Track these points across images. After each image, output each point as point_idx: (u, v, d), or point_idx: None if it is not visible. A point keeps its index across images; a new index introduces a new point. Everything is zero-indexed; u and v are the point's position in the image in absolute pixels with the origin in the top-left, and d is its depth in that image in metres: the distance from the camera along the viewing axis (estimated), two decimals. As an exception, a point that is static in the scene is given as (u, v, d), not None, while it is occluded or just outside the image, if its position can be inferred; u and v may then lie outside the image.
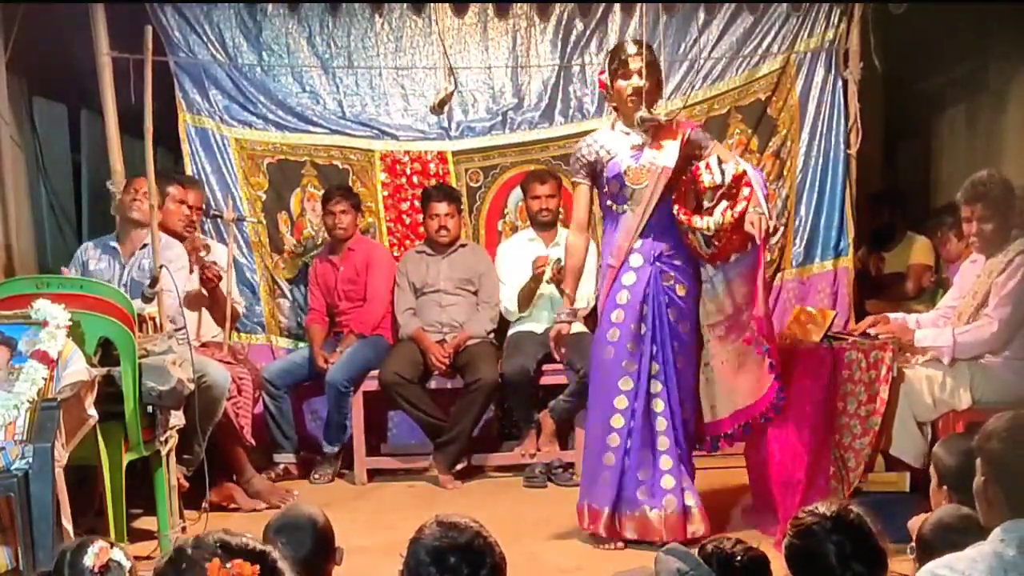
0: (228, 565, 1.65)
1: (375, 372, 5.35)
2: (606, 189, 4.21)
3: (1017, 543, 1.97)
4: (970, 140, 6.25)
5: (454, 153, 5.78)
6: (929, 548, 2.46)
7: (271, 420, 5.42)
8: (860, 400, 4.00)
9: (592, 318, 4.76)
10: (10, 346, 3.53)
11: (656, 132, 4.17)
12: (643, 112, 4.10)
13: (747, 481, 4.60)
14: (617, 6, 5.69)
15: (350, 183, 5.75)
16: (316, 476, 5.43)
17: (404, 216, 5.83)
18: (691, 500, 4.11)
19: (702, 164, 4.15)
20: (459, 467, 5.36)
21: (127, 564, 2.26)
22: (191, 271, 4.91)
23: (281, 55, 5.73)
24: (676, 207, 4.13)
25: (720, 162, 4.13)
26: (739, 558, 2.15)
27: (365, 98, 5.79)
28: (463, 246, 5.61)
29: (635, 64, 4.11)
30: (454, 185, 5.72)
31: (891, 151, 7.44)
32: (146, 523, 4.48)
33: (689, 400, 4.21)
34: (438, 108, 5.01)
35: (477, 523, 2.12)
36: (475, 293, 5.57)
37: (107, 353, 3.96)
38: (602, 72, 4.31)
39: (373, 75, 5.77)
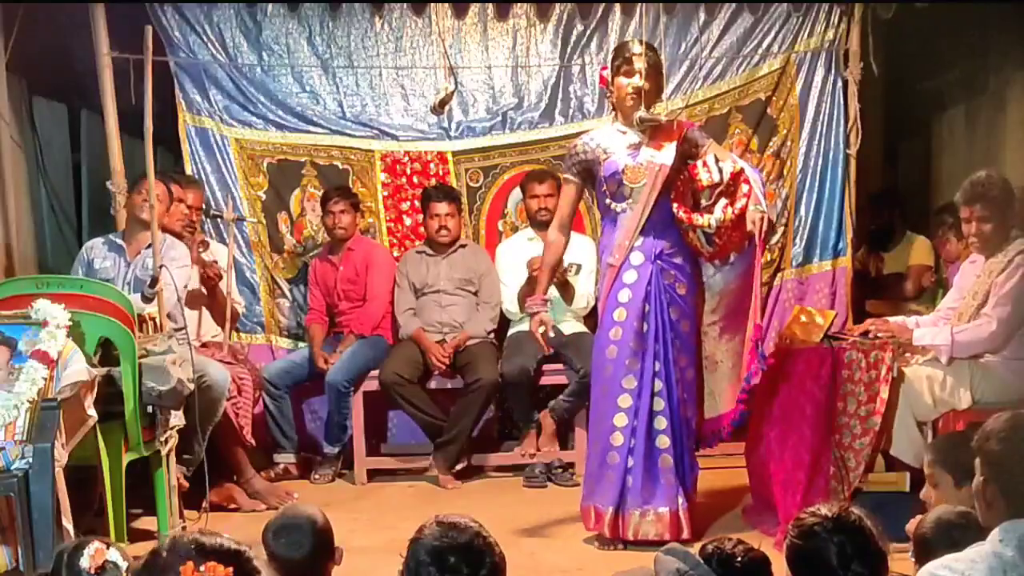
0: (201, 568, 1.64)
1: (375, 372, 5.35)
2: (604, 188, 4.21)
3: (1016, 543, 1.97)
4: (970, 140, 6.24)
5: (454, 153, 5.78)
6: (927, 547, 2.45)
7: (271, 420, 5.42)
8: (860, 400, 4.00)
9: (592, 318, 4.76)
10: (10, 346, 3.54)
11: (654, 132, 4.17)
12: (643, 112, 4.10)
13: (747, 481, 4.59)
14: (617, 6, 5.68)
15: (350, 183, 5.75)
16: (316, 476, 5.43)
17: (404, 216, 5.83)
18: (682, 502, 4.10)
19: (699, 162, 4.16)
20: (459, 467, 5.36)
21: (124, 564, 2.27)
22: (192, 267, 4.92)
23: (281, 55, 5.73)
24: (676, 205, 4.14)
25: (717, 160, 4.14)
26: (739, 559, 2.15)
27: (365, 98, 5.79)
28: (463, 246, 5.61)
29: (639, 64, 4.11)
30: (454, 185, 5.72)
31: (891, 151, 7.45)
32: (146, 523, 4.48)
33: (691, 398, 4.21)
34: (438, 108, 5.00)
35: (477, 523, 2.12)
36: (475, 293, 5.57)
37: (107, 353, 3.97)
38: (604, 68, 4.31)
39: (373, 75, 5.77)
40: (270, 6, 5.68)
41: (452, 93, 4.99)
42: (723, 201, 4.09)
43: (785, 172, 5.78)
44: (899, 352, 4.05)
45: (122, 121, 5.25)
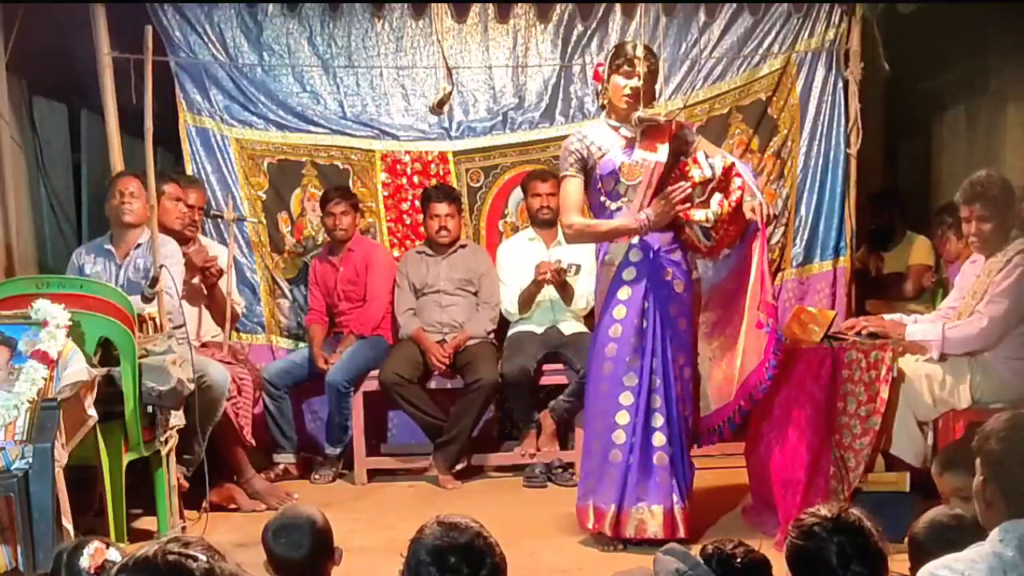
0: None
1: (375, 372, 5.35)
2: (600, 186, 4.20)
3: (1016, 543, 1.97)
4: (970, 140, 6.25)
5: (455, 153, 5.78)
6: (921, 549, 2.45)
7: (271, 420, 5.42)
8: (860, 400, 4.00)
9: (592, 318, 4.75)
10: (10, 346, 3.54)
11: (649, 132, 4.17)
12: (641, 112, 4.10)
13: (747, 481, 4.59)
14: (617, 7, 5.69)
15: (351, 183, 5.75)
16: (316, 476, 5.43)
17: (404, 216, 5.83)
18: (677, 500, 4.09)
19: (690, 159, 4.17)
20: (459, 467, 5.36)
21: (123, 564, 2.27)
22: (196, 273, 4.92)
23: (282, 55, 5.73)
24: None
25: (707, 156, 4.14)
26: (739, 560, 2.15)
27: (366, 98, 5.79)
28: (463, 246, 5.61)
29: (639, 67, 4.10)
30: (455, 185, 5.72)
31: (891, 151, 7.45)
32: (146, 523, 4.48)
33: (688, 397, 4.20)
34: (437, 108, 5.00)
35: (477, 523, 2.12)
36: (475, 293, 5.57)
37: (107, 353, 3.97)
38: (600, 64, 4.31)
39: (374, 75, 5.77)
40: (271, 6, 5.68)
41: (450, 94, 4.99)
42: (718, 196, 4.10)
43: (786, 172, 5.78)
44: (898, 351, 4.05)
45: (122, 121, 5.25)
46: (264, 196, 5.80)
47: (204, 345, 5.04)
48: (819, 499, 3.80)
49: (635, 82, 4.10)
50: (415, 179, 5.78)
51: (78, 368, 3.59)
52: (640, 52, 4.13)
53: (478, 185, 5.82)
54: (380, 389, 5.34)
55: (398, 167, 5.78)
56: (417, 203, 5.73)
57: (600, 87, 4.29)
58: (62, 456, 3.43)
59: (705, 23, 5.71)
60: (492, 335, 5.54)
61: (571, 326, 5.47)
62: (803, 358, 4.19)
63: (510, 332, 5.57)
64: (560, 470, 5.31)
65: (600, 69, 4.27)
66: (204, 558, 1.68)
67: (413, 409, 5.32)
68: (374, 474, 5.45)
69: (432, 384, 5.45)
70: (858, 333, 4.23)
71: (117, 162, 5.27)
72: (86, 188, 6.21)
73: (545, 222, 5.47)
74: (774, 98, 5.74)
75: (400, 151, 5.78)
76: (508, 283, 5.53)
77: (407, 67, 5.75)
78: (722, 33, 5.71)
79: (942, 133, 6.66)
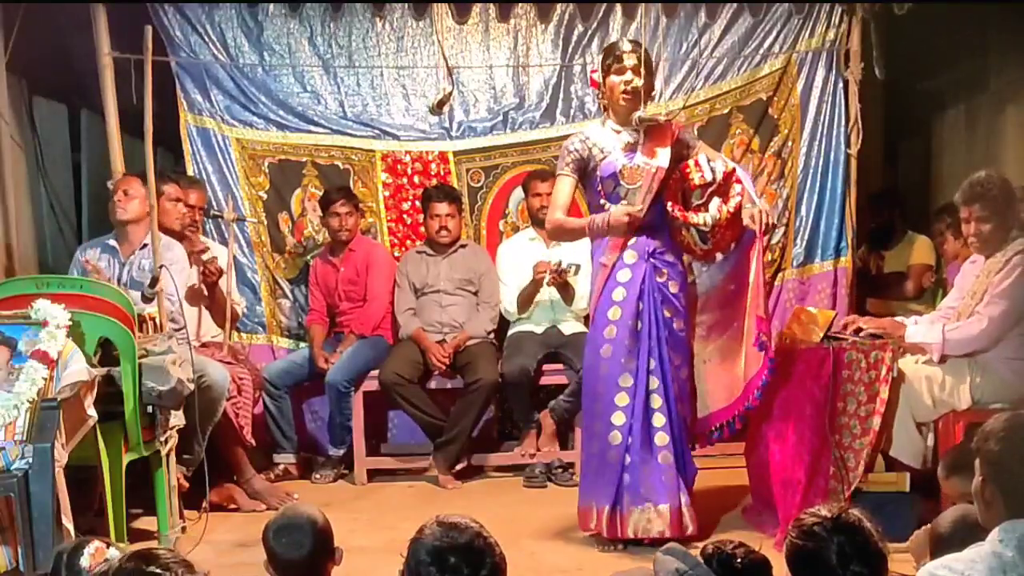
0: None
1: (375, 372, 5.35)
2: (599, 188, 4.20)
3: (1015, 543, 1.97)
4: (970, 140, 6.25)
5: (455, 153, 5.79)
6: (945, 546, 2.44)
7: (271, 420, 5.42)
8: (860, 400, 4.00)
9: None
10: (10, 346, 3.54)
11: (650, 133, 4.17)
12: (642, 112, 4.10)
13: (747, 481, 4.59)
14: (618, 7, 5.69)
15: (351, 183, 5.75)
16: (318, 476, 5.43)
17: (405, 216, 5.83)
18: (684, 498, 4.10)
19: (691, 162, 4.17)
20: (459, 467, 5.36)
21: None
22: (191, 267, 4.92)
23: (282, 55, 5.73)
24: (670, 205, 4.14)
25: (708, 160, 4.15)
26: (740, 560, 2.15)
27: (366, 98, 5.79)
28: (463, 246, 5.61)
29: (630, 61, 4.11)
30: (455, 185, 5.72)
31: (891, 151, 7.45)
32: (146, 523, 4.47)
33: (685, 397, 4.21)
34: (437, 109, 5.00)
35: (477, 523, 2.12)
36: (475, 293, 5.57)
37: (107, 353, 3.97)
38: (594, 71, 4.32)
39: (374, 75, 5.77)
40: (271, 6, 5.68)
41: (450, 94, 4.99)
42: (716, 200, 4.11)
43: (786, 172, 5.78)
44: (898, 351, 4.05)
45: (123, 121, 5.24)
46: (265, 196, 5.80)
47: (204, 345, 5.04)
48: (819, 499, 3.80)
49: (630, 76, 4.11)
50: (416, 179, 5.78)
51: (78, 368, 3.58)
52: (627, 46, 4.14)
53: (479, 185, 5.82)
54: (380, 389, 5.34)
55: (399, 167, 5.79)
56: (418, 203, 5.73)
57: (598, 92, 4.30)
58: (62, 456, 3.43)
59: (706, 23, 5.71)
60: (492, 335, 5.54)
61: (571, 326, 5.47)
62: (803, 358, 4.19)
63: (510, 332, 5.57)
64: (560, 470, 5.31)
65: (595, 75, 4.28)
66: (161, 571, 1.65)
67: (413, 409, 5.32)
68: (374, 474, 5.45)
69: (432, 384, 5.45)
70: (857, 332, 4.23)
71: (117, 162, 5.27)
72: (86, 188, 6.21)
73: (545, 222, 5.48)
74: (775, 98, 5.74)
75: (401, 151, 5.78)
76: (508, 283, 5.53)
77: (408, 67, 5.75)
78: (723, 33, 5.71)
79: (942, 133, 6.66)
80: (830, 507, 2.25)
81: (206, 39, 5.64)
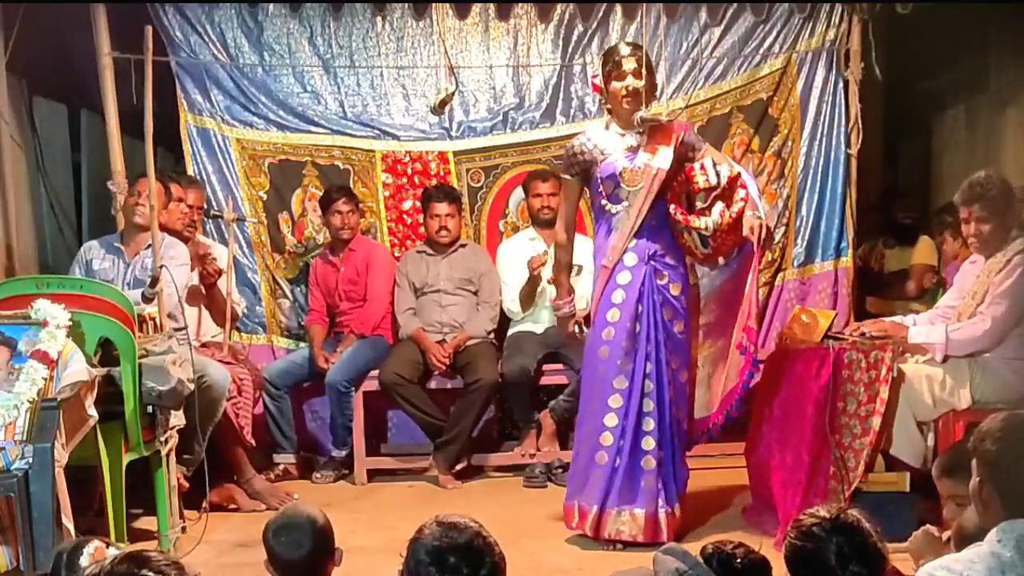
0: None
1: (375, 372, 5.35)
2: (600, 190, 4.21)
3: (1014, 544, 1.97)
4: (970, 140, 6.25)
5: (455, 153, 5.78)
6: (972, 541, 2.43)
7: (271, 420, 5.42)
8: (860, 400, 4.00)
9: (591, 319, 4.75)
10: (10, 346, 3.54)
11: (652, 133, 4.17)
12: (644, 112, 4.10)
13: (747, 481, 4.59)
14: (618, 7, 5.69)
15: (351, 183, 5.75)
16: (318, 476, 5.43)
17: (405, 216, 5.83)
18: (664, 505, 4.09)
19: (696, 165, 4.18)
20: (459, 467, 5.36)
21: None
22: (192, 269, 4.93)
23: (283, 55, 5.73)
24: (673, 207, 4.15)
25: (714, 164, 4.15)
26: (739, 560, 2.15)
27: (366, 98, 5.79)
28: (463, 246, 5.61)
29: (629, 65, 4.11)
30: (455, 185, 5.72)
31: (891, 151, 7.45)
32: (146, 523, 4.48)
33: (682, 400, 4.21)
34: (439, 108, 5.00)
35: (477, 523, 2.12)
36: (475, 293, 5.57)
37: (107, 353, 3.97)
38: (595, 76, 4.33)
39: (374, 75, 5.77)
40: (271, 6, 5.68)
41: (452, 94, 4.99)
42: (720, 205, 4.12)
43: (786, 172, 5.78)
44: (898, 351, 4.05)
45: (122, 121, 5.25)
46: (265, 196, 5.80)
47: (204, 345, 5.04)
48: (819, 499, 3.80)
49: (630, 81, 4.11)
50: (416, 179, 5.78)
51: (78, 368, 3.58)
52: (626, 51, 4.14)
53: (479, 185, 5.82)
54: (380, 389, 5.34)
55: (399, 167, 5.79)
56: (418, 203, 5.73)
57: (601, 98, 4.31)
58: (62, 456, 3.43)
59: (706, 23, 5.71)
60: (492, 335, 5.54)
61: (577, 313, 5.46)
62: (803, 358, 4.19)
63: (510, 332, 5.57)
64: (560, 470, 5.30)
65: (596, 81, 4.29)
66: (153, 575, 1.65)
67: (413, 409, 5.32)
68: (374, 474, 5.45)
69: (432, 384, 5.45)
70: (860, 335, 4.23)
71: (117, 162, 5.28)
72: (86, 188, 6.21)
73: (546, 222, 5.47)
74: (775, 98, 5.74)
75: (401, 151, 5.78)
76: (509, 282, 5.53)
77: (408, 67, 5.75)
78: (723, 33, 5.71)
79: (942, 133, 6.66)
80: (829, 507, 2.25)
81: (206, 39, 5.64)
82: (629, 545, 4.06)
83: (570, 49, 5.75)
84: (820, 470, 4.04)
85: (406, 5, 5.69)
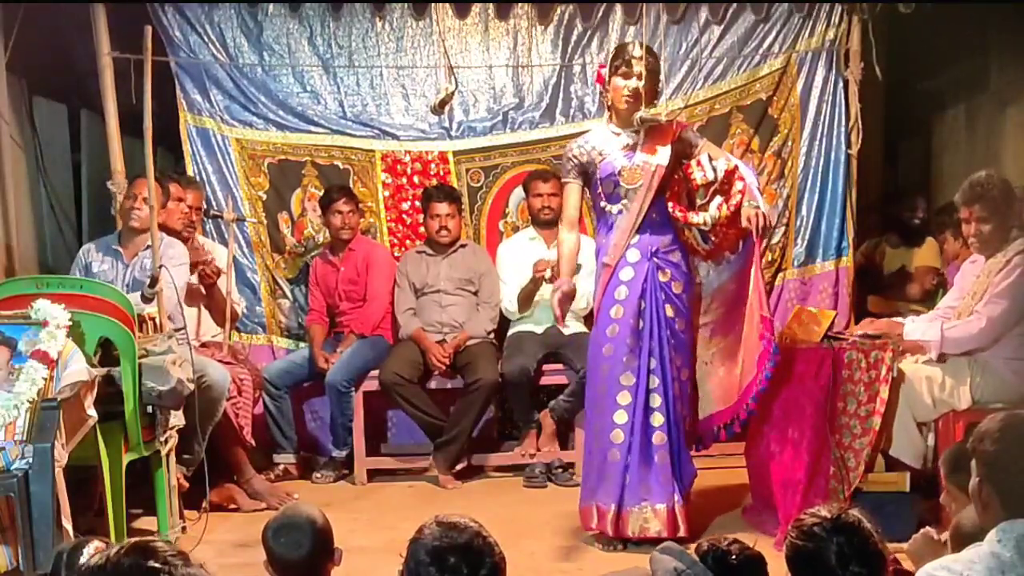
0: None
1: (375, 372, 5.35)
2: (600, 190, 4.21)
3: (1014, 544, 1.97)
4: (970, 140, 6.25)
5: (455, 153, 5.78)
6: (971, 541, 2.43)
7: (271, 420, 5.42)
8: (860, 400, 4.00)
9: (592, 318, 4.75)
10: (10, 346, 3.54)
11: (650, 132, 4.17)
12: (643, 111, 4.10)
13: (747, 481, 4.59)
14: (618, 7, 5.69)
15: (351, 183, 5.75)
16: (319, 476, 5.43)
17: (405, 216, 5.83)
18: (678, 499, 4.09)
19: (693, 162, 4.18)
20: (459, 467, 5.36)
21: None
22: (191, 270, 4.93)
23: (282, 55, 5.73)
24: (671, 204, 4.15)
25: (711, 159, 4.15)
26: (735, 557, 2.15)
27: (366, 98, 5.79)
28: (463, 246, 5.61)
29: (637, 67, 4.11)
30: (455, 185, 5.72)
31: (891, 151, 7.45)
32: (146, 523, 4.48)
33: (685, 397, 4.21)
34: (438, 108, 5.00)
35: (477, 523, 2.12)
36: (475, 293, 5.57)
37: (107, 353, 3.97)
38: (603, 66, 4.31)
39: (374, 75, 5.77)
40: (271, 6, 5.68)
41: (452, 93, 4.99)
42: (718, 199, 4.12)
43: (786, 172, 5.78)
44: (898, 351, 4.05)
45: (122, 121, 5.25)
46: (264, 196, 5.79)
47: (204, 345, 5.04)
48: (819, 499, 3.80)
49: (634, 83, 4.11)
50: (415, 179, 5.78)
51: (78, 368, 3.58)
52: (638, 52, 4.13)
53: (478, 185, 5.82)
54: (380, 389, 5.34)
55: (398, 167, 5.78)
56: (417, 203, 5.72)
57: (602, 90, 4.31)
58: (62, 456, 3.43)
59: (706, 23, 5.71)
60: (492, 335, 5.54)
61: (571, 326, 5.46)
62: (803, 358, 4.19)
63: (510, 332, 5.57)
64: (560, 470, 5.31)
65: (602, 71, 4.28)
66: (166, 566, 1.64)
67: (413, 409, 5.32)
68: (374, 474, 5.45)
69: (432, 384, 5.45)
70: (862, 335, 4.23)
71: (117, 162, 5.28)
72: (86, 188, 6.21)
73: (546, 222, 5.47)
74: (774, 98, 5.74)
75: (400, 151, 5.78)
76: (508, 282, 5.53)
77: (407, 67, 5.75)
78: (723, 32, 5.71)
79: (942, 133, 6.66)
80: (830, 507, 2.25)
81: (205, 39, 5.64)
82: (654, 541, 4.02)
83: (570, 49, 5.75)
84: (820, 470, 4.04)
85: (406, 5, 5.69)
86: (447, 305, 5.52)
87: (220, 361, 4.83)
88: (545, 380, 5.38)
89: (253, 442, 4.99)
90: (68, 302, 3.73)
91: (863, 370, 4.01)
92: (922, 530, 2.75)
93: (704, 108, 5.74)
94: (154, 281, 4.37)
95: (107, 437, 3.89)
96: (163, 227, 4.76)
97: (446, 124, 5.76)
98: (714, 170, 4.12)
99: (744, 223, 4.05)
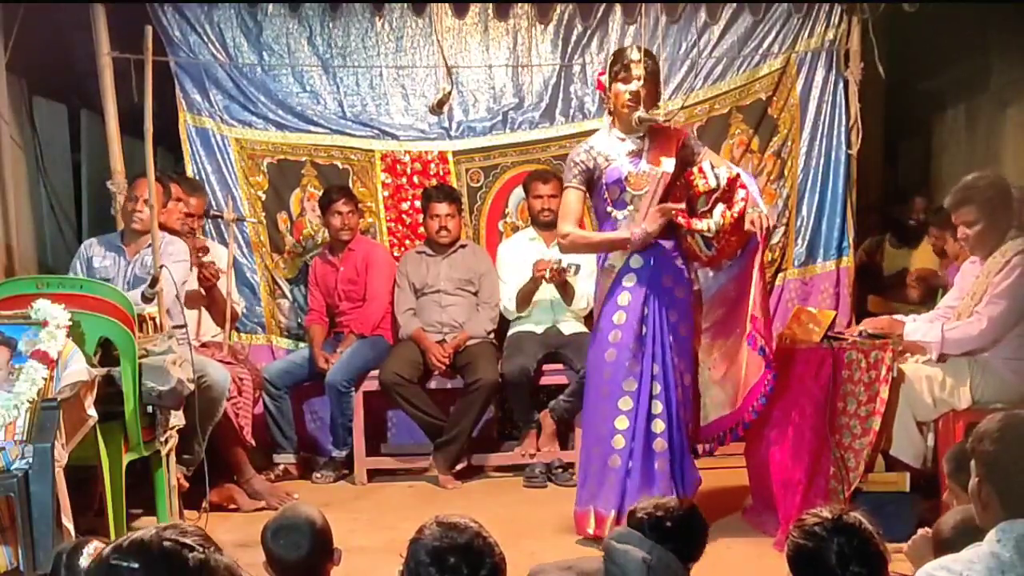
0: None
1: (375, 372, 5.35)
2: (605, 195, 4.20)
3: (1013, 544, 1.97)
4: (970, 140, 6.26)
5: (455, 153, 5.78)
6: (948, 549, 2.44)
7: (271, 420, 5.42)
8: (860, 400, 4.00)
9: (592, 318, 4.75)
10: (10, 346, 3.54)
11: (653, 136, 4.17)
12: (641, 112, 4.10)
13: (747, 481, 4.59)
14: (618, 7, 5.68)
15: (350, 183, 5.75)
16: (319, 476, 5.43)
17: (404, 216, 5.83)
18: None
19: (695, 169, 4.18)
20: (459, 467, 5.36)
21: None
22: (191, 268, 4.93)
23: (282, 55, 5.73)
24: (674, 212, 4.15)
25: (713, 167, 4.16)
26: (669, 518, 2.18)
27: (365, 98, 5.79)
28: (463, 246, 5.61)
29: (637, 71, 4.10)
30: (455, 185, 5.72)
31: (891, 151, 7.46)
32: (146, 523, 4.44)
33: (688, 402, 4.21)
34: (436, 108, 5.00)
35: (477, 523, 2.12)
36: (475, 293, 5.57)
37: (107, 353, 3.97)
38: (602, 73, 4.31)
39: (373, 75, 5.77)
40: (270, 6, 5.67)
41: (450, 93, 5.00)
42: (721, 206, 4.11)
43: (786, 172, 5.78)
44: (898, 351, 4.05)
45: (122, 121, 5.25)
46: (264, 196, 5.79)
47: (204, 345, 5.04)
48: (819, 499, 3.80)
49: (634, 86, 4.10)
50: (415, 179, 5.78)
51: (78, 368, 3.58)
52: (636, 56, 4.13)
53: (478, 185, 5.82)
54: (380, 389, 5.34)
55: (398, 167, 5.78)
56: (417, 203, 5.72)
57: (604, 97, 4.30)
58: (62, 456, 3.43)
59: (705, 22, 5.71)
60: (492, 335, 5.54)
61: (571, 326, 5.47)
62: (803, 358, 4.19)
63: (510, 332, 5.57)
64: (560, 470, 5.31)
65: (602, 79, 4.28)
66: (200, 548, 1.66)
67: (413, 409, 5.32)
68: (374, 474, 5.45)
69: (432, 384, 5.45)
70: (858, 334, 4.23)
71: (117, 162, 5.28)
72: (86, 188, 6.21)
73: (546, 223, 5.47)
74: (774, 98, 5.74)
75: (400, 151, 5.77)
76: (508, 282, 5.53)
77: (407, 67, 5.75)
78: (722, 33, 5.70)
79: (942, 133, 6.67)
80: (832, 508, 2.25)
81: (205, 39, 5.64)
82: None
83: (569, 49, 5.75)
84: (820, 470, 4.04)
85: (405, 5, 5.68)
86: (447, 305, 5.52)
87: (220, 361, 4.83)
88: (545, 380, 5.38)
89: (253, 442, 4.99)
90: (68, 302, 3.73)
91: (863, 370, 4.01)
92: (921, 531, 2.75)
93: (703, 108, 5.74)
94: (154, 281, 4.38)
95: (107, 437, 3.89)
96: (163, 227, 4.76)
97: (446, 124, 5.76)
98: (716, 177, 4.12)
99: (748, 226, 4.05)
